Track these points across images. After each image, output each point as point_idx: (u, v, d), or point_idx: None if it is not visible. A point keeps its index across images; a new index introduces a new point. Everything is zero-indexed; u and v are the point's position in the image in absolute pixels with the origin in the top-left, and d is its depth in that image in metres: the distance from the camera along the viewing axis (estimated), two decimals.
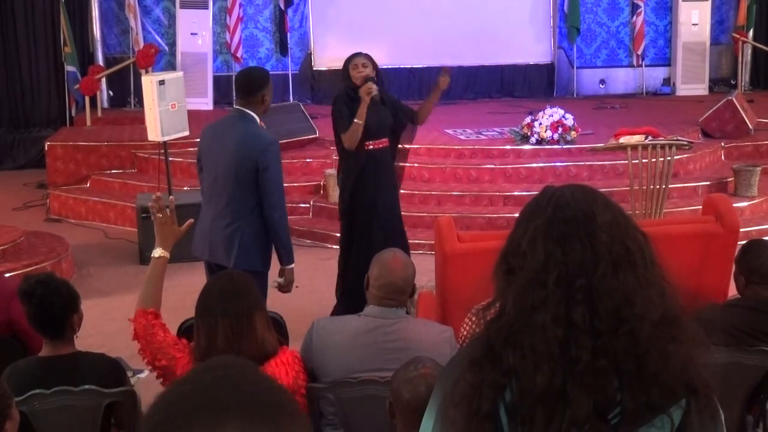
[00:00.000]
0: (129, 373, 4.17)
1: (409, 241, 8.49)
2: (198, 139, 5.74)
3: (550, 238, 1.80)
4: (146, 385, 4.37)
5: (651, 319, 1.75)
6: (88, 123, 11.70)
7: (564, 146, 9.76)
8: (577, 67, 14.06)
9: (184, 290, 7.15)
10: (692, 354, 1.78)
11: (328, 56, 13.43)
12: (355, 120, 6.18)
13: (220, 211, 5.18)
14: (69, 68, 12.20)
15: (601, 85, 14.26)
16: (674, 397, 1.73)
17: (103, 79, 12.33)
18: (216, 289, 3.49)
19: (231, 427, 1.04)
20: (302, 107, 11.13)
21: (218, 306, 3.41)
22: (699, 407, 1.75)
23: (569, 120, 9.80)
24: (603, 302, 1.74)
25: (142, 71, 11.52)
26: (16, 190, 11.38)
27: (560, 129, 9.73)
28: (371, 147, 6.38)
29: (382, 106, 6.44)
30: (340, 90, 6.58)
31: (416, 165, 9.89)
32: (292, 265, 5.24)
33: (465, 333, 3.86)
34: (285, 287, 5.20)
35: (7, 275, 6.16)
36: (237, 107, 5.26)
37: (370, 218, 6.45)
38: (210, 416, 1.05)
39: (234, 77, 5.51)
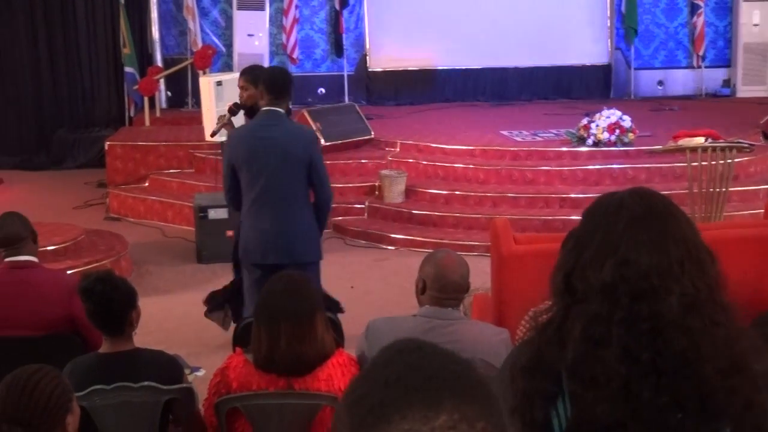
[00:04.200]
0: (186, 371, 4.21)
1: (465, 243, 8.51)
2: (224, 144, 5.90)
3: (616, 265, 1.76)
4: (203, 382, 4.41)
5: (716, 363, 1.72)
6: (147, 123, 11.85)
7: (621, 148, 9.67)
8: (634, 68, 13.91)
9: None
10: (759, 399, 1.74)
11: (384, 57, 13.46)
12: None
13: (281, 210, 5.27)
14: (128, 69, 12.36)
15: (659, 87, 14.10)
16: None
17: (162, 80, 12.47)
18: (277, 291, 3.49)
19: (448, 405, 1.06)
20: (357, 108, 11.16)
21: (281, 308, 3.42)
22: None
23: (626, 121, 9.70)
24: (669, 346, 1.72)
25: (200, 72, 11.63)
26: (77, 189, 11.56)
27: (617, 131, 9.64)
28: None
29: None
30: None
31: (471, 166, 9.88)
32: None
33: (520, 335, 3.84)
34: None
35: (68, 272, 6.27)
36: (270, 107, 5.33)
37: None
38: (427, 395, 1.06)
39: (263, 75, 5.55)
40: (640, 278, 1.75)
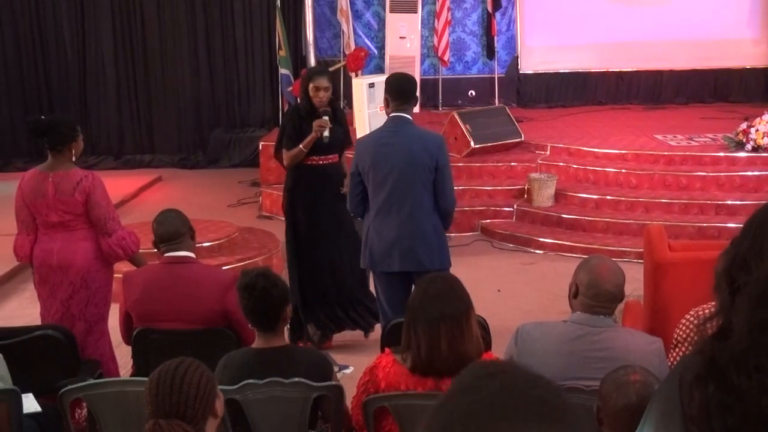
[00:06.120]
0: (335, 368, 4.27)
1: (615, 249, 8.35)
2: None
3: None
4: (351, 380, 4.48)
5: None
6: None
7: None
8: None
9: None
10: None
11: (535, 60, 13.35)
12: (301, 146, 6.10)
13: (407, 217, 5.23)
14: (282, 71, 12.61)
15: None
16: None
17: None
18: (433, 293, 3.49)
19: None
20: (508, 111, 11.09)
21: (439, 310, 3.42)
22: None
23: None
24: None
25: (352, 74, 11.79)
26: (232, 188, 11.92)
27: None
28: (319, 162, 6.23)
29: (336, 126, 6.19)
30: (295, 103, 6.42)
31: (623, 171, 9.69)
32: None
33: (680, 336, 3.72)
34: None
35: (223, 268, 6.47)
36: (396, 114, 5.30)
37: (313, 231, 6.34)
38: (511, 425, 1.05)
39: (389, 82, 5.50)
40: None
